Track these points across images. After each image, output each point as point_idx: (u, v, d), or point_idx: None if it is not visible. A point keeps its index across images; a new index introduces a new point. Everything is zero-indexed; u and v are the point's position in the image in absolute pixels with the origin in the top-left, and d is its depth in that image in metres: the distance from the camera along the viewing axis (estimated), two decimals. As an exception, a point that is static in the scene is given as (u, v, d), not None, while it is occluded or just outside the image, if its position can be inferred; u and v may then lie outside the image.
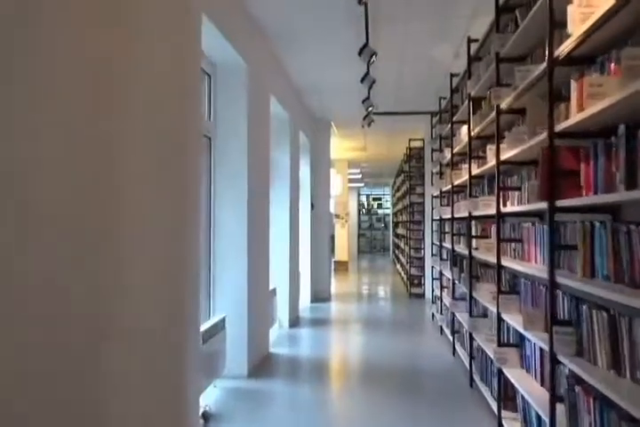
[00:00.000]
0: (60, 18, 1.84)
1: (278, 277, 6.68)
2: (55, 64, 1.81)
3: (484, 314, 4.23)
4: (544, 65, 2.48)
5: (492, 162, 3.59)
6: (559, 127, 2.33)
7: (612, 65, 2.07)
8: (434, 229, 7.75)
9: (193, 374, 3.07)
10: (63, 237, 1.92)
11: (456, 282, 5.22)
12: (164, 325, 2.60)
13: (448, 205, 5.83)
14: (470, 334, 4.35)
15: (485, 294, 3.79)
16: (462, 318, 4.82)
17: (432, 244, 8.00)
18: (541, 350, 2.85)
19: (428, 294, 8.76)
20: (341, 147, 11.51)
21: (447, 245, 5.91)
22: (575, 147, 2.32)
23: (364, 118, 6.63)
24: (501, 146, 3.39)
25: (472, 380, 4.31)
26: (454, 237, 5.46)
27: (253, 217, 4.72)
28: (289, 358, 5.36)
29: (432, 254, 7.91)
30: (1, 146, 1.51)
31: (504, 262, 3.37)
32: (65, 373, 1.85)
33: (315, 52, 5.69)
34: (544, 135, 2.44)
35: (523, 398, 3.02)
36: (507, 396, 3.41)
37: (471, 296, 4.36)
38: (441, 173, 6.40)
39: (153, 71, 2.55)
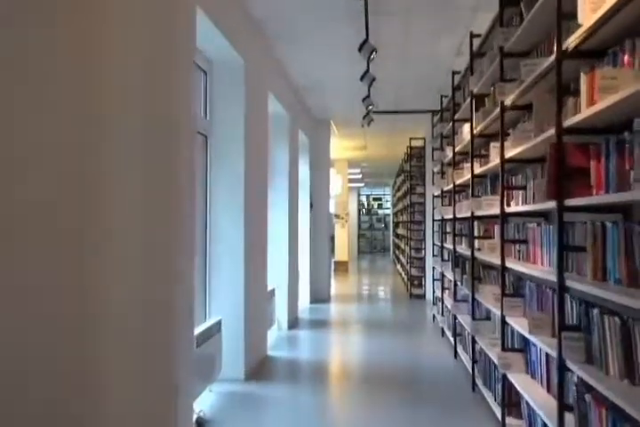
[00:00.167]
0: (45, 9, 1.75)
1: (277, 278, 6.57)
2: (39, 57, 1.72)
3: (487, 317, 4.12)
4: (552, 58, 2.37)
5: (495, 160, 3.48)
6: (568, 123, 2.23)
7: (626, 57, 1.96)
8: (435, 229, 7.64)
9: (186, 379, 2.97)
10: (44, 238, 1.82)
11: (458, 283, 5.11)
12: (152, 327, 2.50)
13: (450, 204, 5.72)
14: (473, 337, 4.25)
15: (488, 297, 3.68)
16: (464, 320, 4.71)
17: (433, 244, 7.90)
18: (547, 355, 2.74)
19: (429, 296, 8.65)
20: (341, 146, 11.41)
21: (448, 245, 5.80)
22: (585, 143, 2.21)
23: (364, 117, 6.52)
24: (505, 144, 3.28)
25: (474, 384, 4.21)
26: (456, 238, 5.35)
27: (251, 217, 4.61)
28: (287, 361, 5.25)
29: (433, 255, 7.81)
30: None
31: (508, 264, 3.26)
32: (51, 375, 1.76)
33: (314, 50, 5.58)
34: (552, 131, 2.33)
35: (528, 404, 2.91)
36: (511, 402, 3.30)
37: (474, 298, 4.25)
38: (442, 173, 6.29)
39: (140, 63, 2.44)
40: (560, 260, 2.30)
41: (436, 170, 7.01)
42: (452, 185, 5.34)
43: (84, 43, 2.08)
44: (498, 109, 3.36)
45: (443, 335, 6.15)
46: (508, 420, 3.27)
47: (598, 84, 1.94)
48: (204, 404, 3.82)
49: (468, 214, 4.40)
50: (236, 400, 4.01)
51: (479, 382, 4.10)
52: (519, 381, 3.03)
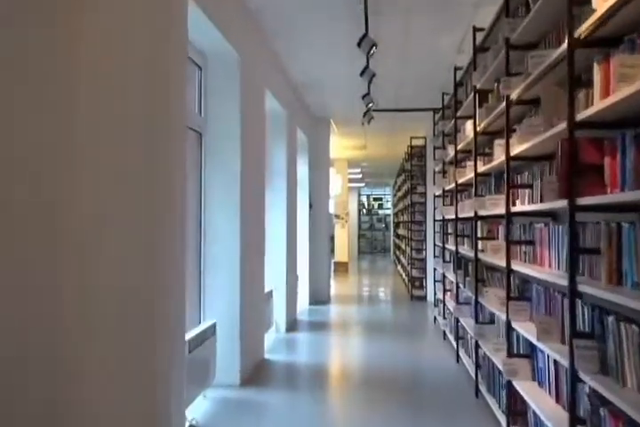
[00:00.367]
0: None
1: (275, 279, 6.43)
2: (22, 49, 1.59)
3: (491, 320, 3.98)
4: (563, 47, 2.23)
5: (500, 158, 3.34)
6: (580, 117, 2.08)
7: (645, 44, 1.82)
8: (436, 229, 7.50)
9: (177, 385, 2.84)
10: (21, 238, 1.69)
11: (460, 285, 4.97)
12: (139, 331, 2.37)
13: (451, 204, 5.58)
14: (476, 342, 4.10)
15: (493, 300, 3.53)
16: (467, 323, 4.57)
17: (434, 245, 7.75)
18: (556, 362, 2.59)
19: (430, 297, 8.50)
20: (341, 145, 11.27)
21: (450, 246, 5.66)
22: (598, 138, 2.07)
23: (364, 115, 6.38)
24: (511, 140, 3.14)
25: (478, 390, 4.06)
26: (458, 239, 5.20)
27: (247, 217, 4.47)
28: (285, 365, 5.11)
29: (434, 256, 7.66)
30: None
31: (514, 266, 3.12)
32: (34, 380, 1.64)
33: (313, 45, 5.45)
34: (563, 126, 2.18)
35: (535, 414, 2.77)
36: (516, 410, 3.16)
37: (477, 301, 4.11)
38: (444, 172, 6.14)
39: (126, 55, 2.31)
40: (572, 263, 2.15)
41: (437, 169, 6.87)
42: (454, 184, 5.20)
43: (77, 39, 1.97)
44: (503, 104, 3.21)
45: (444, 338, 6.01)
46: (514, 429, 3.13)
47: (616, 72, 1.80)
48: (197, 411, 3.68)
49: (471, 214, 4.26)
50: (231, 407, 3.87)
51: (483, 388, 3.95)
52: (525, 388, 2.89)
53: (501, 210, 3.31)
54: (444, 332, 6.05)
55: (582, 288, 2.09)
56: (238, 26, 4.32)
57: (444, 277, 6.26)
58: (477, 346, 4.10)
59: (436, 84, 6.36)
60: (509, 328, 3.14)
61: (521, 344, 3.17)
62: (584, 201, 2.06)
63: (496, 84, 3.66)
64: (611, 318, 1.94)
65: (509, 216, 3.18)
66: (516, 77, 3.00)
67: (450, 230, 5.93)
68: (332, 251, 13.13)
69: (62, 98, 1.99)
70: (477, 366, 4.13)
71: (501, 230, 3.76)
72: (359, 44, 4.15)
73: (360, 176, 17.68)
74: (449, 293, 6.00)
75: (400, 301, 9.42)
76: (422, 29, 4.88)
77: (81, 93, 2.06)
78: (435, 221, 7.43)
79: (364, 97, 5.64)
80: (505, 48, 3.14)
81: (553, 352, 2.37)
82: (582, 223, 2.28)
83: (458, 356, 5.03)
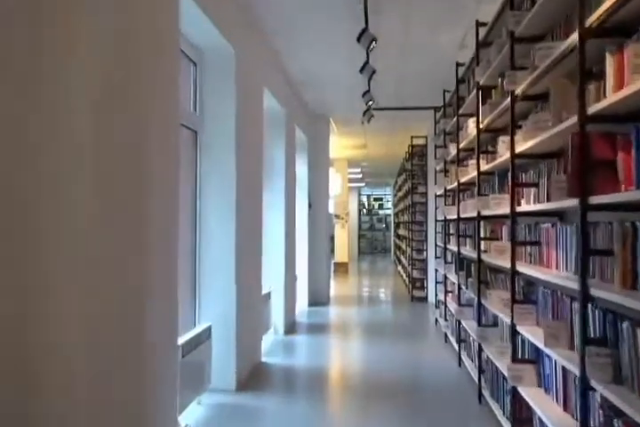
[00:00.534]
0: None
1: (273, 281, 6.31)
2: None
3: (494, 323, 3.86)
4: (573, 38, 2.11)
5: (505, 155, 3.22)
6: (592, 110, 1.97)
7: (662, 31, 1.70)
8: (437, 230, 7.38)
9: (169, 391, 2.73)
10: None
11: (462, 287, 4.86)
12: (127, 335, 2.26)
13: (453, 204, 5.46)
14: (479, 345, 3.99)
15: (496, 302, 3.42)
16: (469, 326, 4.46)
17: (435, 245, 7.64)
18: (564, 368, 2.48)
19: (431, 298, 8.38)
20: (340, 145, 11.16)
21: (452, 247, 5.54)
22: (611, 133, 1.95)
23: (364, 113, 6.27)
24: (516, 137, 3.02)
25: (481, 395, 3.94)
26: (460, 239, 5.08)
27: (243, 217, 4.36)
28: (282, 369, 4.99)
29: (436, 257, 7.55)
30: None
31: (519, 268, 3.00)
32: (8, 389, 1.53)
33: (311, 42, 5.34)
34: (573, 120, 2.07)
35: (541, 421, 2.65)
36: (521, 417, 3.04)
37: (480, 303, 3.99)
38: (445, 171, 6.02)
39: (116, 47, 2.20)
40: (584, 265, 2.03)
41: (438, 168, 6.75)
42: (455, 183, 5.08)
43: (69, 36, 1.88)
44: (507, 100, 3.09)
45: (446, 341, 5.89)
46: (519, 437, 3.01)
47: (630, 63, 1.69)
48: (191, 417, 3.57)
49: (474, 214, 4.14)
50: (226, 413, 3.74)
51: (486, 393, 3.84)
52: (531, 395, 2.78)
53: (506, 210, 3.19)
54: (446, 334, 5.93)
55: (594, 292, 1.97)
56: (234, 21, 4.20)
57: (445, 278, 6.14)
58: (480, 349, 3.99)
59: (438, 81, 6.24)
60: (514, 332, 3.03)
61: (526, 349, 3.05)
62: (596, 200, 1.94)
63: (500, 80, 3.54)
64: (625, 324, 1.82)
65: (514, 216, 3.06)
66: (521, 72, 2.88)
67: (451, 231, 5.81)
68: (332, 251, 13.02)
69: (48, 95, 1.88)
70: (480, 371, 4.01)
71: (505, 231, 3.64)
72: (359, 39, 4.04)
73: (360, 176, 17.57)
74: (450, 294, 5.88)
75: (400, 302, 9.30)
76: (423, 25, 4.76)
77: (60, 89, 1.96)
78: (436, 221, 7.32)
79: (364, 95, 5.53)
80: (510, 41, 3.02)
81: (562, 359, 2.25)
82: (593, 223, 2.16)
83: (460, 359, 4.91)
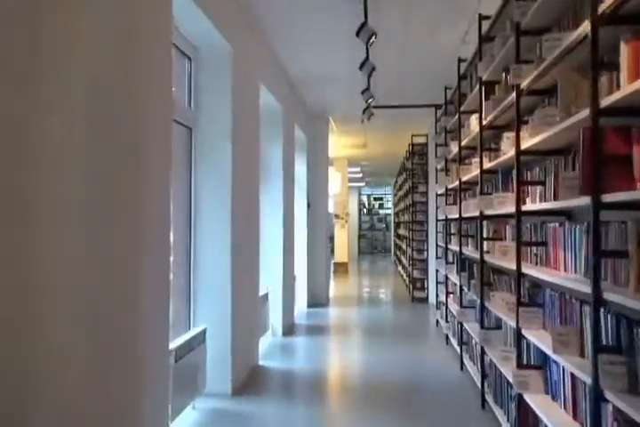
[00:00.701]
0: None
1: (271, 281, 6.19)
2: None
3: (498, 326, 3.75)
4: (584, 26, 1.99)
5: (509, 153, 3.11)
6: (605, 102, 1.85)
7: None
8: (438, 229, 7.27)
9: (161, 396, 2.62)
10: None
11: (464, 288, 4.74)
12: (114, 338, 2.16)
13: (455, 203, 5.35)
14: (482, 348, 3.87)
15: (500, 305, 3.30)
16: (471, 328, 4.34)
17: (436, 245, 7.52)
18: (573, 375, 2.36)
19: (432, 299, 8.26)
20: (340, 144, 11.04)
21: (453, 247, 5.43)
22: (626, 126, 1.83)
23: (364, 111, 6.16)
24: (521, 134, 2.91)
25: (484, 400, 3.83)
26: (462, 239, 4.96)
27: (239, 217, 4.24)
28: (280, 372, 4.87)
29: (437, 257, 7.43)
30: None
31: (524, 269, 2.89)
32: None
33: (311, 42, 5.24)
34: (585, 113, 1.95)
35: (548, 429, 2.53)
36: (527, 424, 2.92)
37: (483, 306, 3.87)
38: (447, 170, 5.91)
39: (109, 40, 2.10)
40: (596, 267, 1.91)
41: (439, 167, 6.63)
42: (457, 182, 4.96)
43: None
44: (512, 95, 2.98)
45: (447, 343, 5.77)
46: (525, 446, 2.90)
47: (649, 50, 1.56)
48: (185, 422, 3.46)
49: (476, 213, 4.03)
50: (222, 418, 3.63)
51: (489, 398, 3.72)
52: (537, 402, 2.66)
53: (510, 209, 3.08)
54: (447, 336, 5.82)
55: (607, 296, 1.86)
56: (230, 16, 4.09)
57: (446, 278, 6.02)
58: (483, 353, 3.87)
59: (439, 77, 6.12)
60: (519, 336, 2.91)
61: (532, 353, 2.93)
62: (610, 197, 1.82)
63: (504, 75, 3.42)
64: (642, 331, 1.70)
65: (519, 215, 2.94)
66: (526, 65, 2.77)
67: (453, 230, 5.69)
68: (332, 251, 12.90)
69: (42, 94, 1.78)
70: (483, 375, 3.89)
71: (508, 230, 3.53)
72: (357, 34, 3.93)
73: (360, 175, 17.45)
74: (452, 295, 5.76)
75: (401, 302, 9.18)
76: (423, 20, 4.65)
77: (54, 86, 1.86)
78: (437, 220, 7.20)
79: (363, 92, 5.41)
80: (515, 34, 2.90)
81: (572, 367, 2.14)
82: (605, 223, 2.05)
83: (462, 363, 4.80)
